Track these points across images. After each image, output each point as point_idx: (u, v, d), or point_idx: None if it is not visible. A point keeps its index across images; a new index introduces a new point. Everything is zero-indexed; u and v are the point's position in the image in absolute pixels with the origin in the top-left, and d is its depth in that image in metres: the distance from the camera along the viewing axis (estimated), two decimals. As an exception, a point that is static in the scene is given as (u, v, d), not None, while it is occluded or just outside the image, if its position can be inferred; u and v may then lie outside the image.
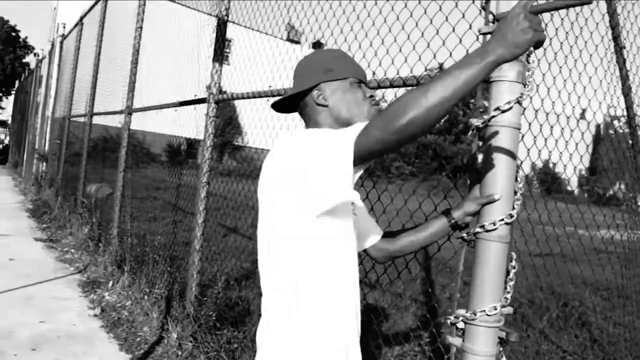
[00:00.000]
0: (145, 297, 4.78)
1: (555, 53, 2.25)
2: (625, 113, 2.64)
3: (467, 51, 1.86)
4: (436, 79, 1.16)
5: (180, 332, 3.95)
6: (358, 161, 1.27)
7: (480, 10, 1.74)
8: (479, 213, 1.68)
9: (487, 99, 1.72)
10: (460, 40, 1.90)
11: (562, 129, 2.61)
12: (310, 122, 1.70)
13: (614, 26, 2.43)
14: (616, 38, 2.48)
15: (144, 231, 6.84)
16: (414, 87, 1.32)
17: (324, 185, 1.34)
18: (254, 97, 3.41)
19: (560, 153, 2.64)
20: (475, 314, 1.62)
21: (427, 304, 5.64)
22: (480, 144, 1.75)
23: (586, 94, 2.69)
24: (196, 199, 3.91)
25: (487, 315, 1.62)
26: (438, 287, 6.53)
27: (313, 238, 1.50)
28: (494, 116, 1.61)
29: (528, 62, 1.67)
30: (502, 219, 1.61)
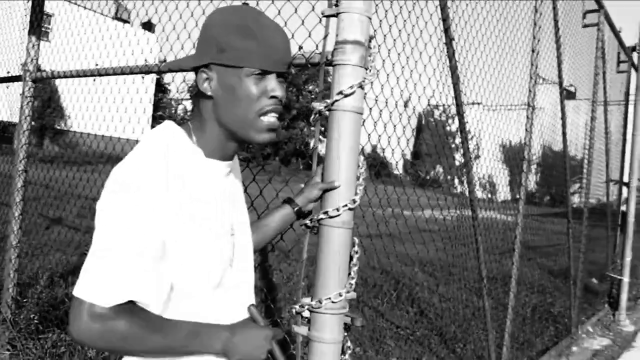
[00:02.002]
0: (-49, 301, 4.19)
1: (394, 40, 2.30)
2: (453, 102, 2.80)
3: (310, 34, 1.82)
4: (171, 334, 1.18)
5: (-5, 339, 3.51)
6: None
7: (324, -8, 1.69)
8: (322, 199, 1.64)
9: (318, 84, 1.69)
10: (303, 22, 1.86)
11: (391, 112, 2.68)
12: (196, 108, 1.34)
13: (445, 18, 2.55)
14: (447, 30, 2.61)
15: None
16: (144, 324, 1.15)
17: None
18: (78, 75, 3.10)
19: (389, 137, 2.72)
20: (320, 302, 1.60)
21: (264, 290, 5.64)
22: (323, 129, 1.72)
23: (412, 79, 2.80)
24: (12, 188, 3.48)
25: (333, 302, 1.60)
26: (276, 272, 6.58)
27: None
28: (336, 100, 1.58)
29: (370, 47, 1.67)
30: (346, 205, 1.59)
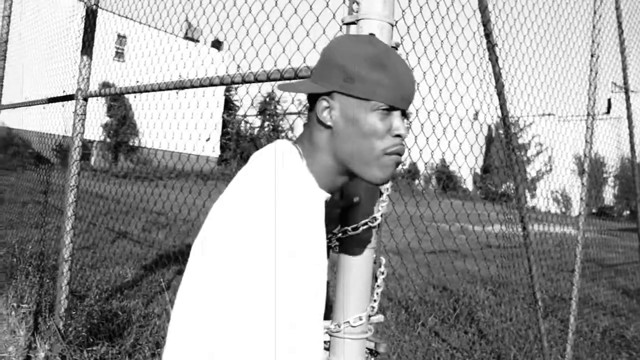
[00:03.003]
0: (13, 313, 4.35)
1: (447, 55, 2.20)
2: (497, 110, 2.65)
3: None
4: None
5: (48, 351, 3.60)
6: None
7: (344, 0, 1.62)
8: (341, 216, 1.55)
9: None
10: (324, 31, 1.78)
11: (455, 130, 2.58)
12: (306, 134, 1.23)
13: (486, 23, 2.41)
14: (488, 35, 2.46)
15: (19, 239, 6.31)
16: None
17: None
18: (126, 92, 3.14)
19: (454, 154, 2.61)
20: (339, 326, 1.51)
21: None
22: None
23: (478, 97, 2.68)
24: (64, 203, 3.57)
25: (352, 326, 1.50)
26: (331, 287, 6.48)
27: None
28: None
29: (396, 48, 1.58)
30: (366, 223, 1.50)
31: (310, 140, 1.20)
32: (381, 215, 1.52)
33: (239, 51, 2.19)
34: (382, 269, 1.59)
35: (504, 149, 2.69)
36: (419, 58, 1.86)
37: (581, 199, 3.47)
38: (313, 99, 1.19)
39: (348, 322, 1.49)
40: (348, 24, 1.60)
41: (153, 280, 6.07)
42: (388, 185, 1.57)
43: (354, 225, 1.49)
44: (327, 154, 1.18)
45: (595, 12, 3.30)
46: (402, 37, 1.68)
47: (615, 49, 3.92)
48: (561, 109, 3.90)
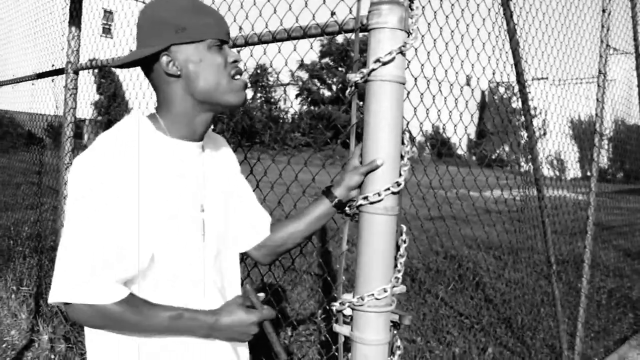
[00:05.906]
0: (13, 296, 4.26)
1: (435, 12, 2.07)
2: (513, 70, 2.53)
3: (331, 13, 1.61)
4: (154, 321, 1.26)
5: (51, 333, 3.52)
6: None
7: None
8: (362, 183, 1.45)
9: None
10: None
11: (445, 98, 2.46)
12: (160, 94, 1.37)
13: (500, -25, 2.28)
14: (502, -12, 2.34)
15: (15, 221, 6.20)
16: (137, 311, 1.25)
17: None
18: (115, 65, 3.00)
19: (446, 121, 2.50)
20: (362, 299, 1.42)
21: (321, 277, 5.50)
22: (361, 103, 1.52)
23: (469, 58, 2.55)
24: (59, 182, 3.46)
25: (376, 299, 1.42)
26: (334, 258, 6.42)
27: None
28: (373, 69, 1.39)
29: (411, 9, 1.46)
30: (388, 189, 1.40)
31: (166, 96, 1.36)
32: (404, 180, 1.42)
33: (240, 12, 2.05)
34: (404, 237, 1.50)
35: (524, 110, 2.58)
36: (435, 14, 1.73)
37: (592, 160, 3.38)
38: (148, 64, 1.35)
39: (372, 294, 1.41)
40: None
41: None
42: (408, 148, 1.47)
43: (377, 192, 1.39)
44: (186, 99, 1.35)
45: (605, -36, 3.16)
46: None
47: (625, 6, 3.76)
48: (555, 72, 3.78)
